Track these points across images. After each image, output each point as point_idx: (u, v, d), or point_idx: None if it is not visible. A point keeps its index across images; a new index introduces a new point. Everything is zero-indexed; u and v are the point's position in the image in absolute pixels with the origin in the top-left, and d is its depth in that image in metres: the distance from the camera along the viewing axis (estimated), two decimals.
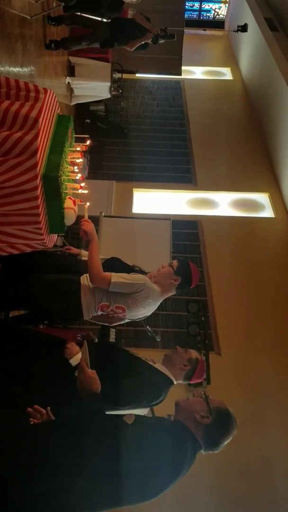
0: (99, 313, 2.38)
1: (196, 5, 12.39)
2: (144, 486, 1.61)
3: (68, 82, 6.34)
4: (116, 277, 2.26)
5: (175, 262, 2.44)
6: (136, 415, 1.71)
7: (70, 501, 1.53)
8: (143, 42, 5.28)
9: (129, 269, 2.44)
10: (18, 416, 1.86)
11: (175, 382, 2.28)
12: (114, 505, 1.60)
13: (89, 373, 1.80)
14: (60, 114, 2.51)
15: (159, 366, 2.28)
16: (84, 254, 2.60)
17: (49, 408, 1.87)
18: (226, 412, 1.80)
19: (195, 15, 12.46)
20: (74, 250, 2.74)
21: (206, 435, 1.75)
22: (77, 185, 2.43)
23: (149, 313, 2.44)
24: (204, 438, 1.75)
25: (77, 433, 1.59)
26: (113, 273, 2.28)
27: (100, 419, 1.66)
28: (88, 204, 2.47)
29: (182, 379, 2.30)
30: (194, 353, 2.35)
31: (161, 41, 5.39)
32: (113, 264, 2.44)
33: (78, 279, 2.37)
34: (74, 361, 2.11)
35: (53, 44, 4.98)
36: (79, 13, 4.75)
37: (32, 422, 1.80)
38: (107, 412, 1.77)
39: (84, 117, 7.56)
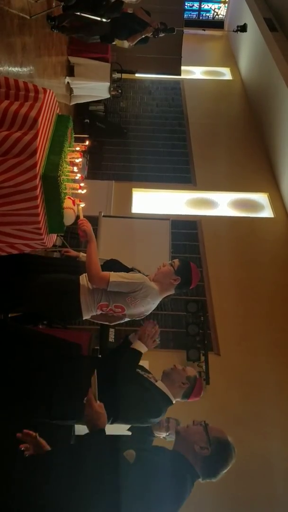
0: (99, 312, 2.38)
1: (196, 5, 12.39)
2: None
3: (68, 82, 6.34)
4: (115, 276, 2.26)
5: (176, 261, 2.43)
6: (137, 451, 1.70)
7: None
8: (143, 36, 5.28)
9: (128, 271, 2.44)
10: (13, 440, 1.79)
11: (173, 402, 2.30)
12: None
13: (96, 407, 1.76)
14: (60, 114, 2.51)
15: (160, 384, 2.28)
16: (83, 257, 2.59)
17: (37, 434, 1.82)
18: (226, 443, 1.79)
19: (194, 15, 12.46)
20: (73, 253, 2.74)
21: (205, 466, 1.76)
22: (76, 185, 2.43)
23: (148, 312, 2.44)
24: (203, 469, 1.76)
25: (78, 473, 1.56)
26: (112, 272, 2.29)
27: (103, 458, 1.63)
28: (83, 204, 2.47)
29: (181, 397, 2.32)
30: (192, 371, 2.37)
31: (161, 35, 5.41)
32: (112, 266, 2.43)
33: (77, 279, 2.37)
34: (141, 348, 2.20)
35: (55, 26, 4.91)
36: (78, 13, 4.76)
37: (22, 448, 1.77)
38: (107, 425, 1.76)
39: (83, 117, 7.56)
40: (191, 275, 2.42)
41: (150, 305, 2.38)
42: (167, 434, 2.78)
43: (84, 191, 2.45)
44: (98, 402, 1.79)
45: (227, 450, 1.78)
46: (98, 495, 1.54)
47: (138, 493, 1.58)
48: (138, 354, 2.31)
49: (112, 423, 2.08)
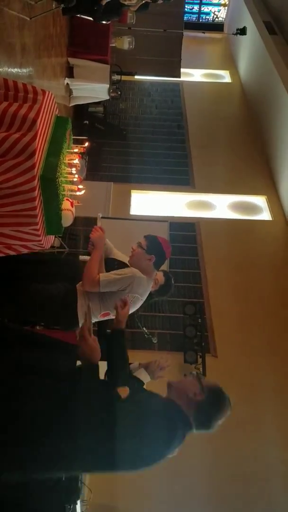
0: (101, 319, 2.41)
1: (196, 7, 12.43)
2: (133, 464, 1.65)
3: (67, 83, 6.35)
4: (104, 276, 2.29)
5: (143, 241, 2.44)
6: (131, 390, 1.71)
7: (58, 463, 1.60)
8: (144, 1, 5.43)
9: (125, 265, 2.48)
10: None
11: None
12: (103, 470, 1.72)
13: (90, 341, 1.76)
14: (59, 115, 2.52)
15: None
16: (85, 259, 2.62)
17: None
18: (219, 391, 1.77)
19: (194, 18, 12.50)
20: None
21: (198, 412, 1.72)
22: (74, 187, 2.43)
23: (145, 297, 2.46)
24: (196, 416, 1.72)
25: (71, 405, 1.59)
26: (101, 273, 2.32)
27: (95, 392, 1.65)
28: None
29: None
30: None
31: (160, 2, 5.64)
32: (111, 264, 2.46)
33: (75, 290, 2.37)
34: (144, 377, 2.17)
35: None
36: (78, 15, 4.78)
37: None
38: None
39: (82, 119, 7.57)
40: (162, 247, 2.42)
41: (145, 293, 2.41)
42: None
43: (82, 192, 2.45)
44: (92, 336, 1.77)
45: (221, 398, 1.75)
46: (87, 427, 1.56)
47: (128, 430, 1.58)
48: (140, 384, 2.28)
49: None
